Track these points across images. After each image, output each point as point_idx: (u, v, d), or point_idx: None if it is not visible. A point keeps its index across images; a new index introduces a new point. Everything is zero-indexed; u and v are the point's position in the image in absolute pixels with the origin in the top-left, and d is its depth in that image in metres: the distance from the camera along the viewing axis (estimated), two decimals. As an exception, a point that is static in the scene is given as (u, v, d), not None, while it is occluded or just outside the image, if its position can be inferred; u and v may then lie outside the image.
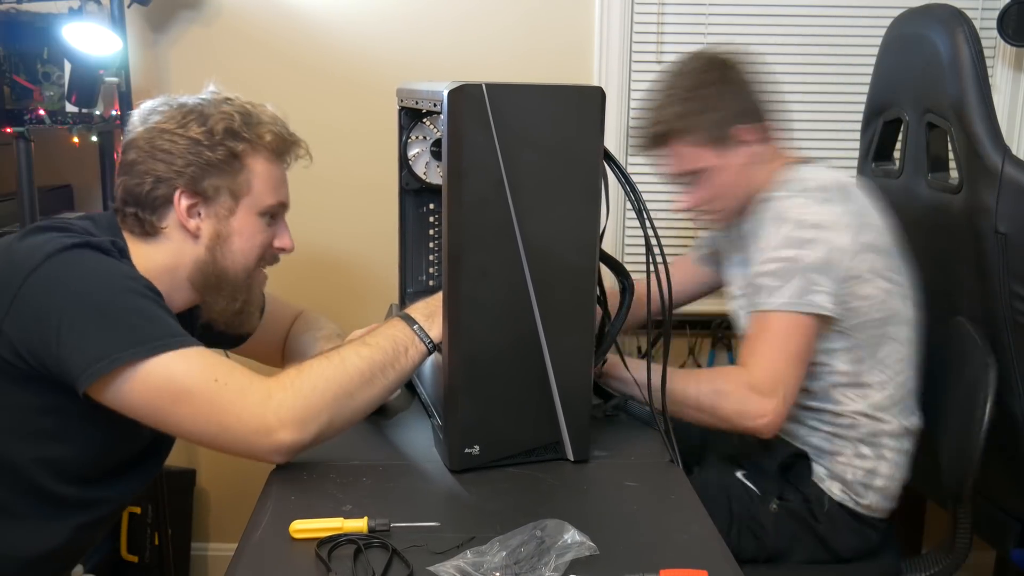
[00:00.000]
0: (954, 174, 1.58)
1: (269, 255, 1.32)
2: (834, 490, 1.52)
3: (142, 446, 1.28)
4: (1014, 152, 1.47)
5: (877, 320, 1.48)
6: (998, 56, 2.17)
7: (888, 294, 1.49)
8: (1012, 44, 2.08)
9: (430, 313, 1.22)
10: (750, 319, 1.46)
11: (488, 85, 1.11)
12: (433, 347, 1.22)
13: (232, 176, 1.24)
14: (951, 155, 1.60)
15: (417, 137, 1.52)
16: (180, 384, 1.08)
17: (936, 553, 1.63)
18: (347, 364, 1.15)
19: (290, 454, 1.14)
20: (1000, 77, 2.18)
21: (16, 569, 1.20)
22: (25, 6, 1.80)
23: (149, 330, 1.09)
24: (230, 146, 1.23)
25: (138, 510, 2.16)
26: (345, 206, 2.22)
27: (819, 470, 1.53)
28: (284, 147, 1.30)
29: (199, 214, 1.24)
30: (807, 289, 1.40)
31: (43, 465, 1.17)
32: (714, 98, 1.52)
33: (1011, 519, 1.64)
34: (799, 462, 1.54)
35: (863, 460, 1.51)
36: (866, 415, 1.50)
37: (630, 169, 1.48)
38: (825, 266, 1.41)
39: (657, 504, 1.16)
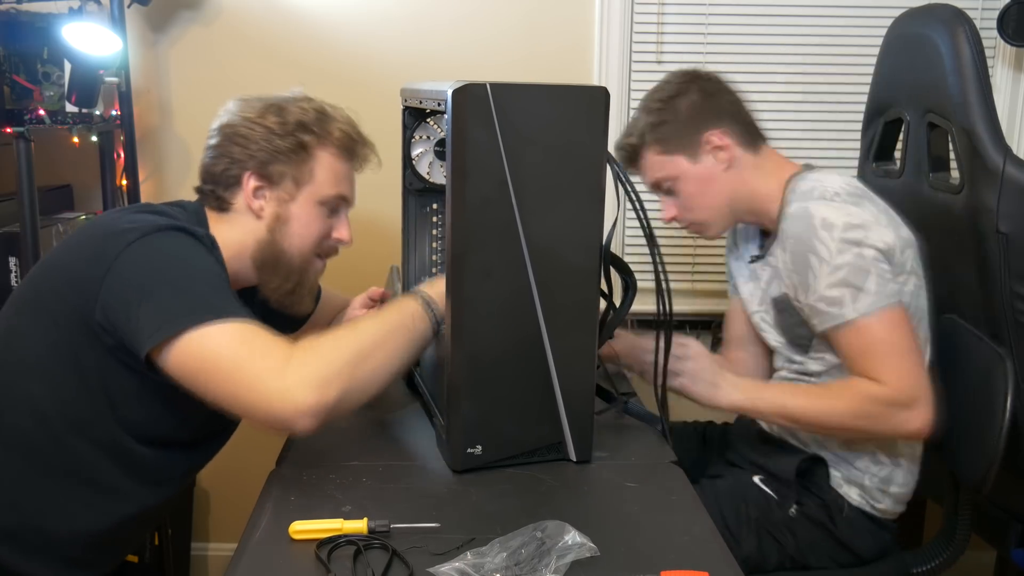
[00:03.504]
0: (955, 174, 1.58)
1: (327, 246, 1.40)
2: (852, 495, 1.50)
3: (204, 420, 1.29)
4: (1014, 152, 1.47)
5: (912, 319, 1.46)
6: (998, 56, 2.17)
7: (920, 290, 1.47)
8: (1012, 44, 2.08)
9: (438, 291, 1.24)
10: (842, 333, 1.41)
11: (492, 85, 1.11)
12: (438, 324, 1.23)
13: (297, 164, 1.33)
14: (952, 155, 1.60)
15: (421, 137, 1.52)
16: (215, 349, 1.11)
17: (937, 544, 1.63)
18: (359, 328, 1.20)
19: (315, 416, 1.10)
20: (1000, 77, 2.18)
21: (101, 537, 1.27)
22: (25, 6, 1.80)
23: (210, 301, 1.14)
24: (299, 137, 1.33)
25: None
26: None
27: (836, 475, 1.52)
28: (352, 146, 1.38)
29: (264, 195, 1.33)
30: (884, 280, 1.38)
31: (124, 426, 1.22)
32: (684, 105, 1.53)
33: (1011, 519, 1.64)
34: (816, 467, 1.52)
35: (880, 467, 1.50)
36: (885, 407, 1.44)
37: (629, 170, 1.48)
38: (886, 257, 1.39)
39: (658, 505, 1.16)
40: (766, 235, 1.63)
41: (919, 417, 1.38)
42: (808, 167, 1.57)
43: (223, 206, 1.35)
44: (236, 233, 1.34)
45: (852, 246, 1.38)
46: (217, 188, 1.34)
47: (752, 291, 1.65)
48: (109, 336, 1.15)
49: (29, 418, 1.21)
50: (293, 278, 1.37)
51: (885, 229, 1.41)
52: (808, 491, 1.52)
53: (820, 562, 1.50)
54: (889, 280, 1.39)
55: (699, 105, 1.54)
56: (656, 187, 1.60)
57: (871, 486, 1.50)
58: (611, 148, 1.22)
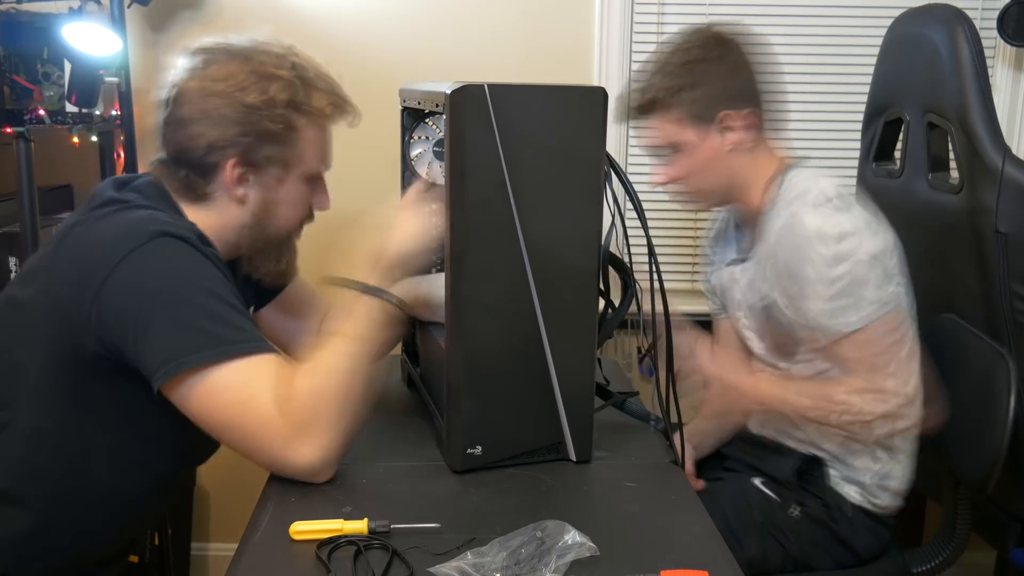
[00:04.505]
0: (954, 174, 1.58)
1: (309, 214, 1.34)
2: (852, 493, 1.51)
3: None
4: (1014, 152, 1.47)
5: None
6: (998, 56, 2.17)
7: (904, 291, 1.47)
8: (1012, 44, 2.08)
9: (371, 266, 1.21)
10: (848, 343, 1.40)
11: (490, 85, 1.11)
12: (387, 295, 1.19)
13: (286, 146, 1.22)
14: (951, 155, 1.60)
15: (419, 137, 1.52)
16: (221, 394, 1.08)
17: (937, 543, 1.64)
18: (342, 366, 1.14)
19: (330, 470, 1.15)
20: (1000, 77, 2.18)
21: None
22: (25, 6, 1.80)
23: (216, 334, 1.08)
24: (290, 118, 1.21)
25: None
26: (347, 206, 2.21)
27: (834, 474, 1.52)
28: (338, 114, 1.29)
29: (247, 181, 1.23)
30: (880, 287, 1.38)
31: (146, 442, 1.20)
32: (705, 76, 1.46)
33: (1011, 519, 1.64)
34: (814, 468, 1.52)
35: (878, 463, 1.50)
36: (883, 418, 1.46)
37: (630, 171, 1.47)
38: (876, 263, 1.39)
39: (658, 505, 1.16)
40: (739, 228, 1.62)
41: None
42: (794, 160, 1.54)
43: (197, 192, 1.22)
44: (214, 220, 1.23)
45: (846, 257, 1.37)
46: (193, 173, 1.20)
47: (730, 293, 1.62)
48: (108, 362, 1.11)
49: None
50: (284, 258, 1.33)
51: (875, 236, 1.40)
52: (809, 492, 1.52)
53: (822, 563, 1.50)
54: (885, 286, 1.39)
55: (724, 78, 1.47)
56: (657, 150, 1.56)
57: (870, 483, 1.50)
58: (607, 144, 1.21)
